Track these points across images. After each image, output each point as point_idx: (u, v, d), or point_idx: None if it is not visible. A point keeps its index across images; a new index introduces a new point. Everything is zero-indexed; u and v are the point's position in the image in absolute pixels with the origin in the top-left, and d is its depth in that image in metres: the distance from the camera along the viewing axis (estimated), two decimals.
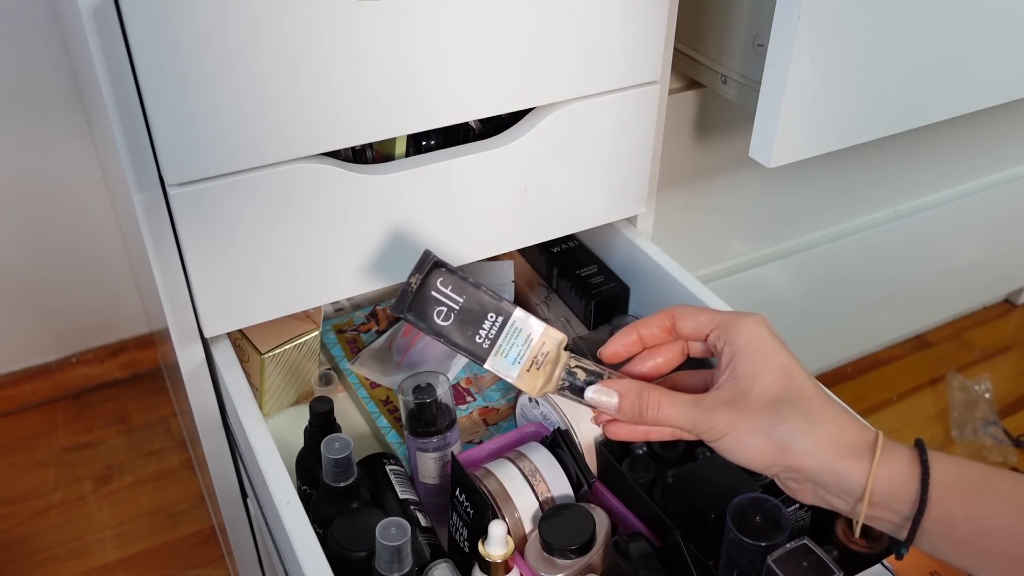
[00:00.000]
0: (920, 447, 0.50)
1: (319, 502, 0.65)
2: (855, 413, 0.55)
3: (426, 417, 0.71)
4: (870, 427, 0.52)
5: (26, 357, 1.42)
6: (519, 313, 0.57)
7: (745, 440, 0.51)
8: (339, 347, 0.91)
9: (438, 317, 0.56)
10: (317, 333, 0.80)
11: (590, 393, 0.56)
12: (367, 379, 0.87)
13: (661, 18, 0.73)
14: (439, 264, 0.57)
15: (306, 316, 0.81)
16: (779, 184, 1.24)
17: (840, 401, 0.57)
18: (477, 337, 0.56)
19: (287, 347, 0.78)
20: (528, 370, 0.57)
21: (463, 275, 0.58)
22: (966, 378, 1.53)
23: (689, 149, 1.12)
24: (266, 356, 0.77)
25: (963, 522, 0.48)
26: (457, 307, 0.57)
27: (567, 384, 0.57)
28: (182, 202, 0.62)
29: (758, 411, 0.51)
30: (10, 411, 1.41)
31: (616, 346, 0.58)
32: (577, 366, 0.57)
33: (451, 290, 0.57)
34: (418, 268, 0.57)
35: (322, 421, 0.70)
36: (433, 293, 0.57)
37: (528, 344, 0.57)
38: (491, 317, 0.57)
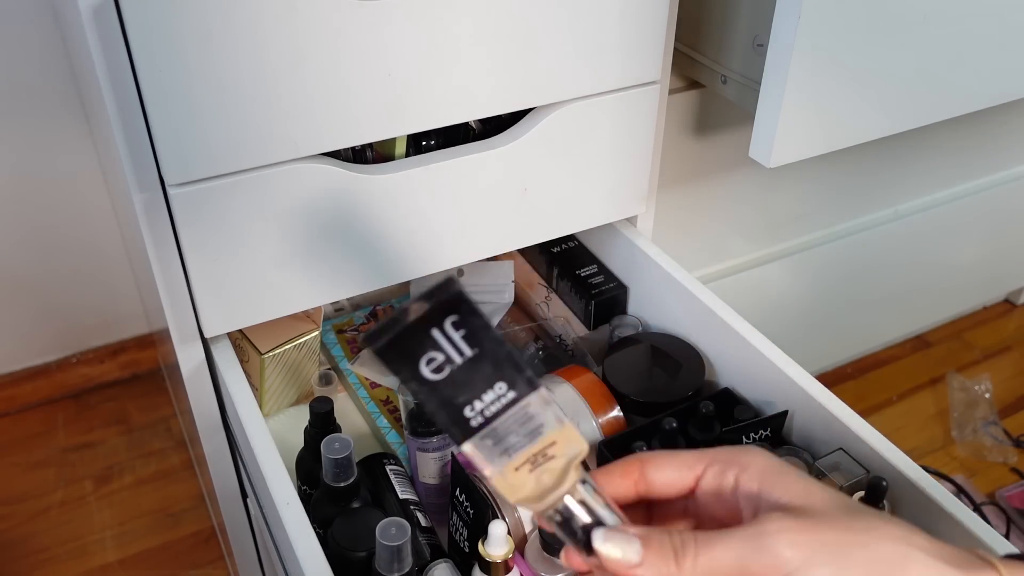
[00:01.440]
0: None
1: (319, 502, 0.65)
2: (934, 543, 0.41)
3: (426, 417, 0.71)
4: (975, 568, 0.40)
5: (26, 357, 1.42)
6: (540, 394, 0.41)
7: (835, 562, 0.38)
8: (339, 347, 0.91)
9: (427, 366, 0.39)
10: (317, 333, 0.80)
11: (599, 541, 0.41)
12: (367, 379, 0.87)
13: (661, 18, 0.73)
14: (461, 299, 0.39)
15: (306, 316, 0.81)
16: (779, 184, 1.24)
17: None
18: (469, 409, 0.40)
19: (287, 347, 0.78)
20: (517, 469, 0.41)
21: (487, 321, 0.40)
22: (966, 378, 1.53)
23: (689, 149, 1.12)
24: (266, 356, 0.77)
25: None
26: (460, 361, 0.39)
27: (559, 519, 0.42)
28: (182, 202, 0.62)
29: (841, 526, 0.38)
30: (10, 411, 1.41)
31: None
32: (583, 500, 0.42)
33: (463, 337, 0.39)
34: (429, 295, 0.39)
35: (322, 421, 0.70)
36: (435, 334, 0.39)
37: (533, 437, 0.41)
38: (501, 388, 0.40)
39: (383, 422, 0.82)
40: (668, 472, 0.43)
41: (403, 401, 0.72)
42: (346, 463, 0.64)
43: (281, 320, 0.77)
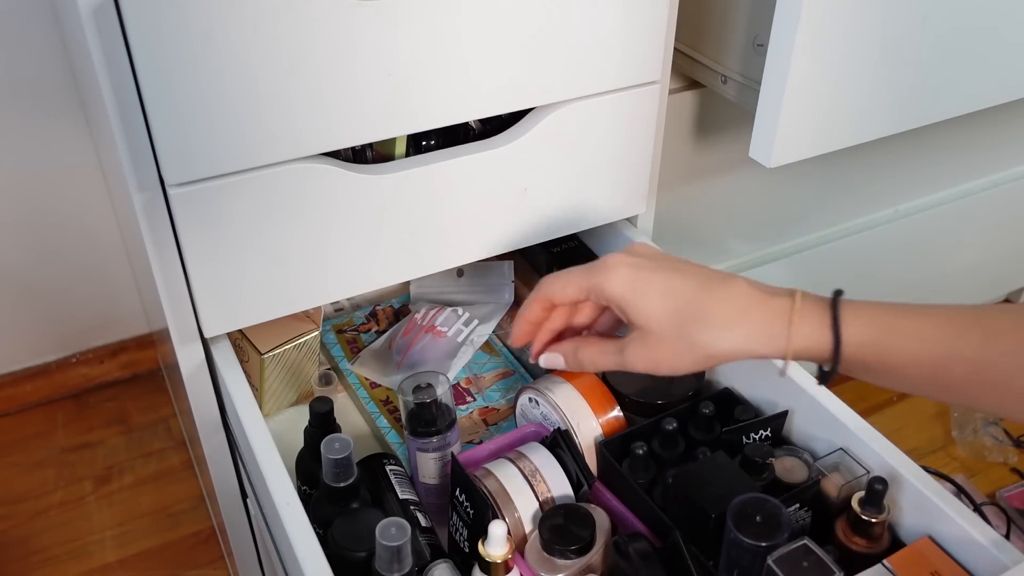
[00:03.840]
0: (835, 308, 0.54)
1: (319, 502, 0.65)
2: (757, 282, 0.58)
3: (426, 417, 0.70)
4: (779, 295, 0.56)
5: (26, 357, 1.42)
6: None
7: (676, 367, 0.57)
8: (339, 347, 0.91)
9: None
10: (317, 333, 0.80)
11: (543, 361, 0.64)
12: (367, 379, 0.87)
13: (661, 18, 0.73)
14: None
15: (306, 316, 0.81)
16: (779, 184, 1.24)
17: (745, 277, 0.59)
18: None
19: (287, 347, 0.78)
20: None
21: None
22: None
23: (689, 149, 1.12)
24: (266, 356, 0.77)
25: (875, 365, 0.54)
26: None
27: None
28: (182, 202, 0.62)
29: (669, 342, 0.56)
30: (10, 411, 1.41)
31: (520, 335, 0.65)
32: None
33: None
34: None
35: (322, 421, 0.70)
36: None
37: None
38: None
39: (383, 422, 0.82)
40: (563, 298, 0.62)
41: (403, 401, 0.72)
42: (346, 463, 0.64)
43: (281, 320, 0.77)
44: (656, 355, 0.57)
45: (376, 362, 0.89)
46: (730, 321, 0.55)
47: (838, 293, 0.56)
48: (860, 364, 0.54)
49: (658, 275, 0.57)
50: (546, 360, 0.65)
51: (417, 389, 0.71)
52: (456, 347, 0.86)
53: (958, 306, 0.54)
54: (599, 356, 0.61)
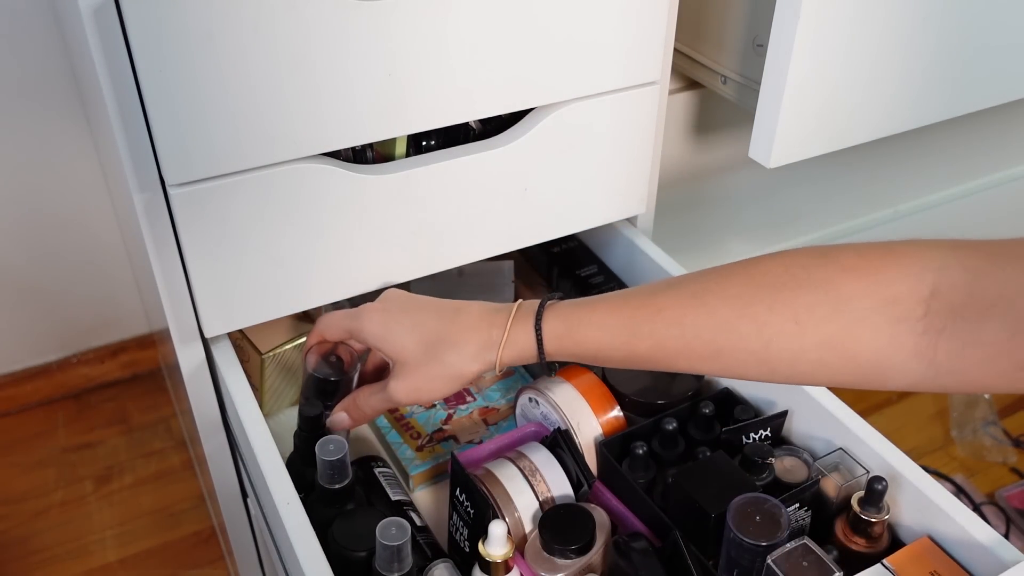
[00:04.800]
0: (539, 309, 0.61)
1: (314, 505, 0.65)
2: (491, 303, 0.65)
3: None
4: (503, 311, 0.62)
5: (26, 357, 1.42)
6: None
7: (432, 392, 0.63)
8: None
9: None
10: None
11: (329, 423, 0.69)
12: None
13: (661, 18, 0.73)
14: None
15: (306, 316, 0.81)
16: (779, 184, 1.24)
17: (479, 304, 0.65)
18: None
19: (287, 347, 0.78)
20: None
21: None
22: None
23: (689, 149, 1.12)
24: (266, 356, 0.77)
25: (577, 354, 0.61)
26: None
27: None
28: (182, 202, 0.62)
29: (422, 369, 0.63)
30: (10, 411, 1.41)
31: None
32: None
33: None
34: None
35: (312, 425, 0.70)
36: None
37: None
38: None
39: (382, 420, 0.82)
40: (336, 338, 0.69)
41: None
42: (341, 465, 0.63)
43: (281, 320, 0.77)
44: (414, 384, 0.63)
45: None
46: (463, 340, 0.62)
47: (551, 296, 0.62)
48: (567, 355, 0.61)
49: (406, 314, 0.64)
50: (331, 422, 0.69)
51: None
52: None
53: (643, 288, 0.60)
54: (371, 398, 0.66)
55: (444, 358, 0.62)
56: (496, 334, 0.61)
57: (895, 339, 0.52)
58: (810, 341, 0.53)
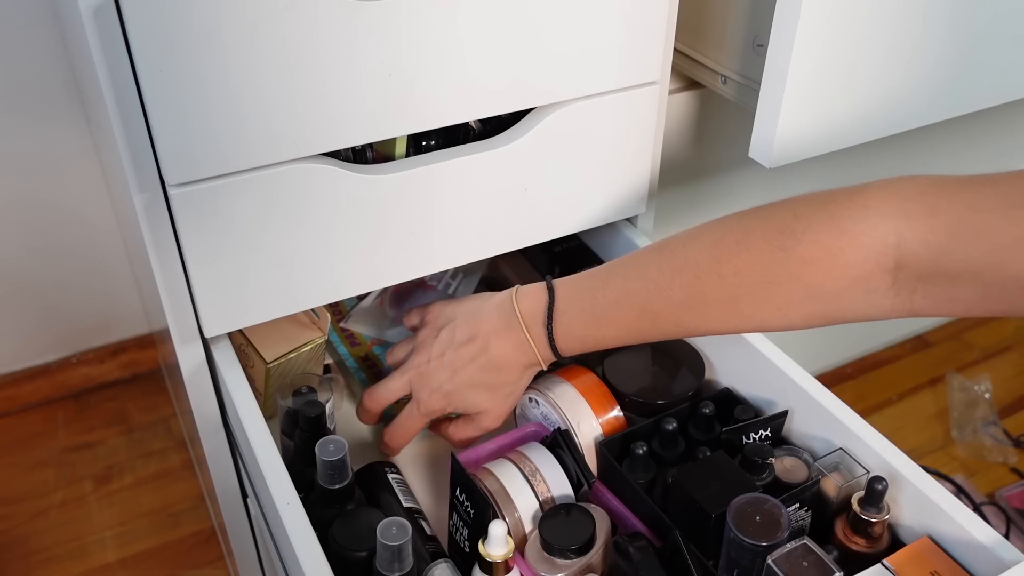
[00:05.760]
0: (550, 331, 0.67)
1: (314, 505, 0.65)
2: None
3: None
4: (523, 346, 0.69)
5: (26, 357, 1.42)
6: None
7: (511, 408, 0.73)
8: (343, 346, 0.91)
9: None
10: (323, 340, 0.80)
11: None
12: (348, 338, 0.89)
13: (661, 18, 0.73)
14: None
15: (312, 321, 0.80)
16: (779, 184, 1.24)
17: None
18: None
19: (292, 355, 0.78)
20: None
21: None
22: (966, 378, 1.53)
23: (689, 149, 1.12)
24: (271, 366, 0.77)
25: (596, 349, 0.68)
26: None
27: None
28: (182, 202, 0.62)
29: (498, 408, 0.72)
30: (10, 411, 1.41)
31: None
32: None
33: None
34: None
35: (312, 425, 0.70)
36: None
37: None
38: None
39: (362, 377, 0.84)
40: (391, 399, 0.76)
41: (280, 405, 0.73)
42: (341, 465, 0.63)
43: (286, 323, 0.77)
44: (500, 416, 0.73)
45: (370, 318, 0.91)
46: (508, 380, 0.71)
47: (550, 316, 0.67)
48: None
49: (470, 387, 0.71)
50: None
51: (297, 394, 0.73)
52: (445, 298, 0.88)
53: (630, 286, 0.64)
54: (461, 431, 0.74)
55: (505, 395, 0.72)
56: (529, 356, 0.69)
57: (872, 304, 0.57)
58: (796, 319, 0.60)
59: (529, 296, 0.69)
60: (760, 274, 0.59)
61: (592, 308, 0.66)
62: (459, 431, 0.74)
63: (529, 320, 0.68)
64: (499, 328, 0.69)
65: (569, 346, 0.67)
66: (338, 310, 0.93)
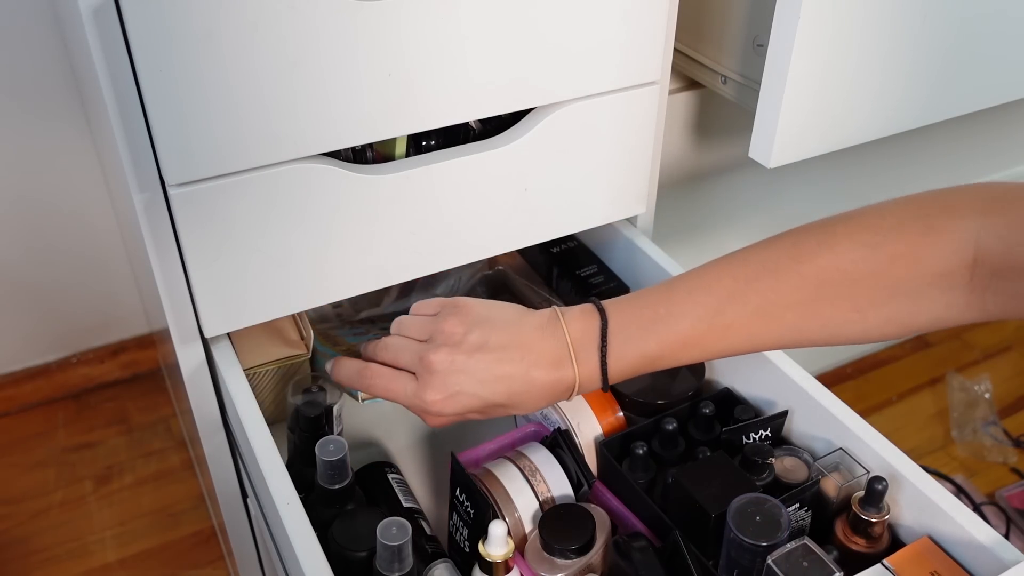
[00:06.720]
0: (603, 355, 0.61)
1: (314, 505, 0.65)
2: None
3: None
4: (561, 363, 0.62)
5: (26, 357, 1.42)
6: None
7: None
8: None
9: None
10: (304, 360, 0.79)
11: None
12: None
13: (661, 18, 0.73)
14: None
15: (301, 339, 0.80)
16: (779, 184, 1.24)
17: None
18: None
19: (269, 367, 0.77)
20: None
21: None
22: (966, 378, 1.53)
23: (689, 149, 1.12)
24: (246, 372, 0.76)
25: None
26: None
27: None
28: (182, 202, 0.62)
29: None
30: (10, 411, 1.41)
31: None
32: None
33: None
34: None
35: (312, 425, 0.70)
36: None
37: None
38: None
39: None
40: None
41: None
42: (341, 465, 0.63)
43: (275, 335, 0.77)
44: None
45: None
46: (537, 394, 0.63)
47: (604, 341, 0.61)
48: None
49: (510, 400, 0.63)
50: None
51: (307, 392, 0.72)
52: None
53: (698, 299, 0.61)
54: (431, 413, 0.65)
55: (510, 412, 0.65)
56: (563, 386, 0.62)
57: (949, 304, 0.58)
58: (872, 324, 0.59)
59: (577, 318, 0.62)
60: (843, 272, 0.58)
61: (653, 325, 0.61)
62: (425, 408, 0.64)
63: (579, 344, 0.61)
64: (541, 349, 0.61)
65: (621, 371, 0.62)
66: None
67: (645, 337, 0.61)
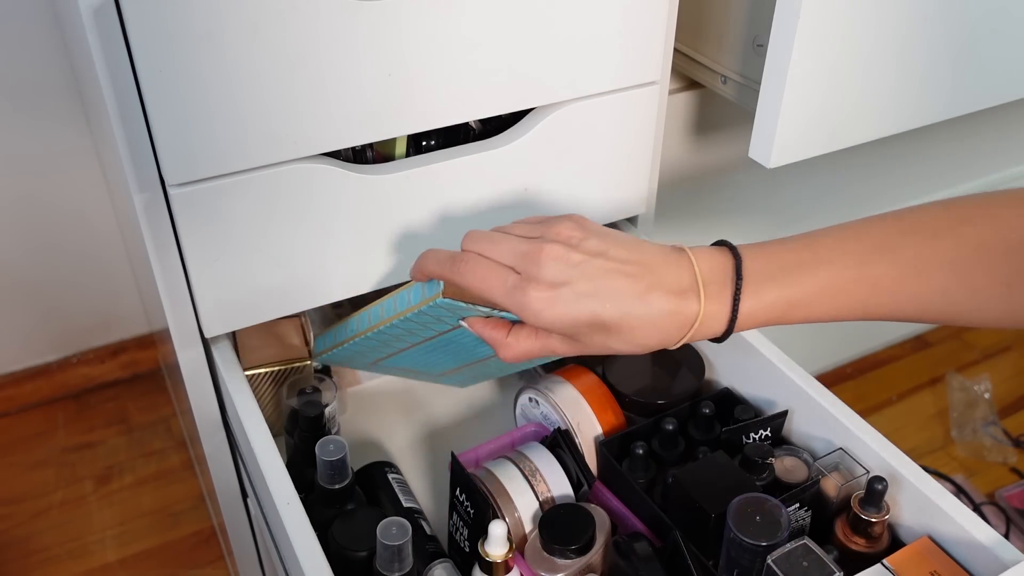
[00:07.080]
0: (736, 299, 0.54)
1: (314, 505, 0.65)
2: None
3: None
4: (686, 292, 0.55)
5: (26, 357, 1.42)
6: None
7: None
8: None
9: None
10: (306, 366, 0.79)
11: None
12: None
13: (661, 18, 0.73)
14: None
15: (306, 344, 0.80)
16: (779, 184, 1.24)
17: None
18: None
19: (272, 369, 0.77)
20: None
21: None
22: (966, 378, 1.53)
23: (689, 149, 1.12)
24: (247, 374, 0.76)
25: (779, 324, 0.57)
26: None
27: None
28: (182, 202, 0.62)
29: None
30: (10, 411, 1.42)
31: None
32: None
33: None
34: None
35: (312, 425, 0.70)
36: None
37: None
38: None
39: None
40: None
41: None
42: (341, 465, 0.64)
43: (281, 337, 0.77)
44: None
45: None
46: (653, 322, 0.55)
47: (738, 274, 0.55)
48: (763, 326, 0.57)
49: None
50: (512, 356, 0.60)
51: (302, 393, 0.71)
52: None
53: (842, 247, 0.57)
54: (524, 342, 0.59)
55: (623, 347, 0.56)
56: (683, 323, 0.55)
57: None
58: (1018, 303, 0.55)
59: (706, 253, 0.56)
60: (1001, 238, 0.54)
61: (796, 268, 0.55)
62: (521, 341, 0.58)
63: (708, 278, 0.55)
64: (664, 273, 0.54)
65: (752, 313, 0.55)
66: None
67: (785, 280, 0.55)
